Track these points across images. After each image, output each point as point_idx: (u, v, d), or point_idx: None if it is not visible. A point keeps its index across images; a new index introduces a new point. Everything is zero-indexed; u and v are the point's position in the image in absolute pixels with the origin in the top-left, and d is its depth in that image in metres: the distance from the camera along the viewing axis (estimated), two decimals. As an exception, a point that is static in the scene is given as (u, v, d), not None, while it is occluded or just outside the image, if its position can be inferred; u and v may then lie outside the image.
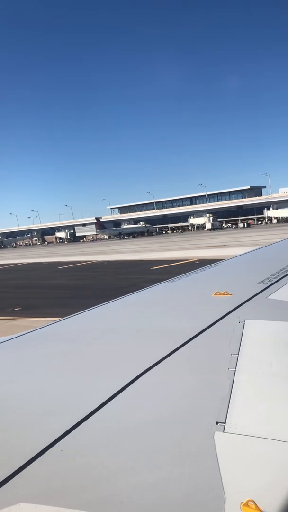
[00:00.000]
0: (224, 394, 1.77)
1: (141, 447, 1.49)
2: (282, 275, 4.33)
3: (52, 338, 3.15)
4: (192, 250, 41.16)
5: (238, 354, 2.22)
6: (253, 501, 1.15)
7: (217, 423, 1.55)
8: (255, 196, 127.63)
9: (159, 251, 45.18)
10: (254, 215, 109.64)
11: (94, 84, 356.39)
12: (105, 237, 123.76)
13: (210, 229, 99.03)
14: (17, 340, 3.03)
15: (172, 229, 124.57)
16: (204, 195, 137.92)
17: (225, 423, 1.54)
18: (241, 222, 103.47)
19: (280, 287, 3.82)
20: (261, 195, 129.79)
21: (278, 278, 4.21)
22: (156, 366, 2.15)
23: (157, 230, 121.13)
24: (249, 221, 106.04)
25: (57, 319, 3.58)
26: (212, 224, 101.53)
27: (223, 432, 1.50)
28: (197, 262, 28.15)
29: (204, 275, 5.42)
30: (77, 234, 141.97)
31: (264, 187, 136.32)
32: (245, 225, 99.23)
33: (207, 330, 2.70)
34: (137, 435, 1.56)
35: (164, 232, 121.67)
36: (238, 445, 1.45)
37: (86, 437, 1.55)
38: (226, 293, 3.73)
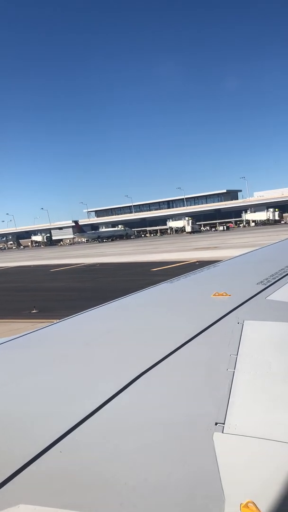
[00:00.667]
0: (223, 394, 1.77)
1: (140, 448, 1.48)
2: (280, 276, 4.34)
3: (52, 339, 3.15)
4: (185, 252, 41.12)
5: (237, 354, 2.22)
6: (253, 502, 1.15)
7: (216, 423, 1.54)
8: (232, 199, 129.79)
9: (150, 253, 44.98)
10: (231, 218, 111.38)
11: (76, 87, 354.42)
12: (83, 240, 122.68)
13: (190, 232, 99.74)
14: (17, 341, 3.03)
15: (151, 232, 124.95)
16: (181, 199, 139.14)
17: (224, 423, 1.54)
18: (220, 225, 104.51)
19: (278, 287, 3.82)
20: (237, 199, 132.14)
21: (277, 279, 4.21)
22: (155, 367, 2.14)
23: (136, 234, 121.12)
24: (229, 224, 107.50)
25: (54, 320, 3.59)
26: (192, 227, 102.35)
27: (222, 432, 1.49)
28: (197, 263, 28.08)
29: (202, 276, 5.42)
30: (53, 238, 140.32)
31: (240, 191, 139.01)
32: (225, 228, 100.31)
33: (206, 331, 2.70)
34: (136, 436, 1.56)
35: (143, 235, 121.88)
36: (237, 446, 1.45)
37: (85, 438, 1.54)
38: (225, 294, 3.74)
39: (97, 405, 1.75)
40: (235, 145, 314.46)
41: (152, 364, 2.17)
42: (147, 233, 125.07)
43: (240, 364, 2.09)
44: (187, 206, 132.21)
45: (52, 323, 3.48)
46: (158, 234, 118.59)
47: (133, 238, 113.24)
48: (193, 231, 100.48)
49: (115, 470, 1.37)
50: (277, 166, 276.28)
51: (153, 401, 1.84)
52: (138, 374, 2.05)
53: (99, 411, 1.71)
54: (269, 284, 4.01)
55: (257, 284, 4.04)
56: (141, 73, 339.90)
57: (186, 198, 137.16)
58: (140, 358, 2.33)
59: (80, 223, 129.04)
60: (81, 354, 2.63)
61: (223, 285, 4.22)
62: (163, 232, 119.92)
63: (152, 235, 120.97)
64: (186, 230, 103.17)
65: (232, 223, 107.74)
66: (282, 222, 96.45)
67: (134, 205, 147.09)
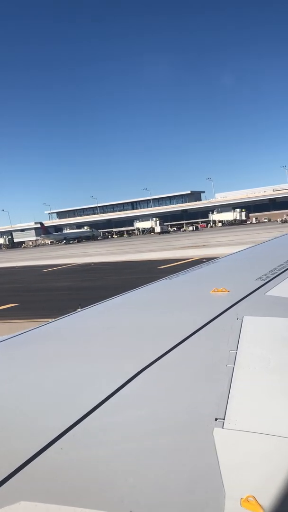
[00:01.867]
0: (223, 390, 1.77)
1: (141, 444, 1.49)
2: (279, 272, 4.37)
3: (51, 337, 3.15)
4: (175, 250, 41.06)
5: (237, 350, 2.22)
6: (253, 497, 1.15)
7: (216, 419, 1.54)
8: (195, 200, 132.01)
9: (136, 252, 44.49)
10: (198, 218, 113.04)
11: (37, 83, 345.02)
12: (48, 242, 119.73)
13: (159, 233, 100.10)
14: (16, 338, 3.03)
15: (116, 234, 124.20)
16: (145, 200, 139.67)
17: (224, 419, 1.54)
18: (190, 226, 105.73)
19: (277, 283, 3.84)
20: (201, 200, 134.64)
21: (276, 274, 4.25)
22: (155, 363, 2.14)
23: (102, 235, 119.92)
24: (201, 225, 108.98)
25: (50, 319, 3.60)
26: (161, 228, 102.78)
27: (222, 428, 1.49)
28: (204, 260, 28.02)
29: (201, 273, 5.44)
30: (15, 240, 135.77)
31: (203, 192, 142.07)
32: (194, 228, 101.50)
33: (205, 327, 2.70)
34: (137, 432, 1.57)
35: (109, 236, 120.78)
36: (237, 441, 1.45)
37: (85, 435, 1.55)
38: (224, 290, 3.74)
39: (97, 402, 1.74)
40: (199, 147, 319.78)
41: (152, 361, 2.16)
42: (113, 234, 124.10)
43: (239, 360, 2.08)
44: (151, 207, 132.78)
45: (52, 320, 3.48)
46: (125, 235, 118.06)
47: (100, 239, 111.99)
48: (162, 232, 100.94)
49: (116, 467, 1.37)
50: (240, 168, 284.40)
51: (153, 397, 1.84)
52: (138, 370, 2.05)
53: (99, 408, 1.70)
54: (268, 279, 4.02)
55: (256, 280, 4.05)
56: (107, 72, 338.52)
57: (150, 199, 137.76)
58: (140, 355, 2.33)
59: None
60: (81, 351, 2.63)
61: (222, 281, 4.25)
62: (130, 233, 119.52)
63: (117, 236, 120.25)
64: (156, 231, 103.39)
65: (204, 223, 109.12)
66: (248, 222, 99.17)
67: (99, 206, 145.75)
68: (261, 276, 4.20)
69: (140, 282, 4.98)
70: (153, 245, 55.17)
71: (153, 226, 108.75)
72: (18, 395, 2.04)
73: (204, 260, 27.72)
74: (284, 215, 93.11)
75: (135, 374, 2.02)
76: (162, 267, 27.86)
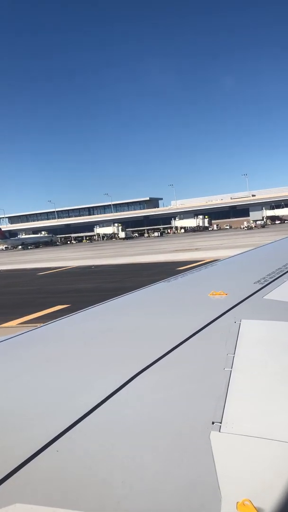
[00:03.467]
0: (220, 394, 1.77)
1: (137, 447, 1.49)
2: (277, 275, 4.40)
3: (50, 338, 3.17)
4: (173, 253, 40.44)
5: (234, 354, 2.22)
6: (249, 501, 1.15)
7: (213, 423, 1.54)
8: (154, 207, 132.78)
9: (122, 256, 43.31)
10: (160, 224, 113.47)
11: None
12: (2, 248, 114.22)
13: (123, 239, 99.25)
14: (16, 339, 3.05)
15: (75, 239, 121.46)
16: (103, 205, 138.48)
17: (221, 423, 1.54)
18: (156, 232, 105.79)
19: (275, 287, 3.86)
20: (158, 206, 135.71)
21: (274, 278, 4.27)
22: (152, 366, 2.15)
23: (59, 240, 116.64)
24: (169, 230, 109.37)
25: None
26: (126, 234, 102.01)
27: (219, 432, 1.49)
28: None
29: (199, 275, 5.42)
30: None
31: (161, 199, 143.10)
32: (159, 234, 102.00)
33: (203, 330, 2.70)
34: (133, 435, 1.56)
35: (68, 242, 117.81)
36: (234, 445, 1.46)
37: (82, 437, 1.55)
38: (222, 293, 3.75)
39: (94, 405, 1.75)
40: (155, 156, 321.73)
41: (148, 364, 2.16)
42: (71, 240, 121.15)
43: (237, 363, 2.08)
44: (109, 213, 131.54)
45: (51, 321, 3.45)
46: (85, 241, 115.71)
47: (59, 244, 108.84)
48: (126, 237, 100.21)
49: (112, 469, 1.38)
50: (200, 176, 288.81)
51: (150, 401, 1.83)
52: (135, 373, 2.04)
53: (95, 410, 1.71)
54: (266, 283, 4.01)
55: (254, 283, 4.05)
56: (64, 74, 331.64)
57: (107, 205, 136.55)
58: (136, 358, 2.32)
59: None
60: (78, 353, 2.62)
61: (220, 284, 4.22)
62: (90, 239, 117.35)
63: (76, 242, 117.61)
64: (120, 236, 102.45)
65: (171, 228, 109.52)
66: (209, 228, 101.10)
67: (57, 211, 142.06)
68: (259, 280, 4.18)
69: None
70: (135, 249, 54.17)
71: (115, 232, 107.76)
72: (15, 396, 2.03)
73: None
74: (245, 222, 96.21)
75: (132, 377, 2.01)
76: (181, 268, 27.10)
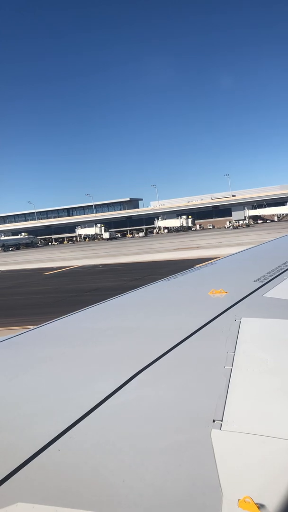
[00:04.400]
0: (221, 392, 1.79)
1: (139, 445, 1.49)
2: (277, 273, 4.44)
3: (50, 337, 3.18)
4: (184, 251, 40.24)
5: (235, 352, 2.24)
6: (251, 498, 1.16)
7: (214, 420, 1.56)
8: (134, 207, 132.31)
9: (127, 255, 42.81)
10: (142, 225, 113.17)
11: None
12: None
13: (107, 239, 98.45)
14: (16, 338, 3.06)
15: (56, 240, 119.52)
16: (82, 206, 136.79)
17: (222, 420, 1.55)
18: (139, 232, 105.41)
19: (275, 285, 3.90)
20: (138, 207, 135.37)
21: (274, 276, 4.31)
22: (153, 364, 2.16)
23: (40, 242, 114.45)
24: (153, 231, 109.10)
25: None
26: (110, 234, 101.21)
27: (220, 429, 1.50)
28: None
29: (200, 274, 5.53)
30: None
31: (141, 199, 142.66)
32: (144, 234, 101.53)
33: (203, 328, 2.73)
34: (134, 433, 1.58)
35: (49, 243, 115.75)
36: (235, 442, 1.46)
37: (83, 436, 1.55)
38: (222, 292, 3.79)
39: (95, 403, 1.75)
40: (135, 157, 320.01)
41: (150, 362, 2.17)
42: (52, 241, 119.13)
43: (237, 361, 2.10)
44: (88, 214, 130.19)
45: (51, 321, 3.45)
46: (66, 242, 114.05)
47: (40, 246, 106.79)
48: (110, 238, 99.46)
49: (113, 468, 1.37)
50: (182, 177, 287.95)
51: (151, 399, 1.84)
52: (136, 372, 2.05)
53: (97, 409, 1.71)
54: (266, 281, 4.04)
55: (254, 281, 4.08)
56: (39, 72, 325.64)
57: (87, 206, 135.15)
58: (138, 356, 2.33)
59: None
60: (78, 352, 2.63)
61: (221, 283, 4.25)
62: (72, 240, 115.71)
63: (57, 243, 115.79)
64: (104, 237, 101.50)
65: (155, 228, 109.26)
66: (192, 229, 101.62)
67: (30, 213, 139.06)
68: (259, 278, 4.19)
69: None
70: (129, 249, 53.67)
71: (97, 233, 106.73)
72: (15, 395, 2.02)
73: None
74: (227, 222, 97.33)
75: (133, 376, 2.01)
76: (199, 265, 26.89)
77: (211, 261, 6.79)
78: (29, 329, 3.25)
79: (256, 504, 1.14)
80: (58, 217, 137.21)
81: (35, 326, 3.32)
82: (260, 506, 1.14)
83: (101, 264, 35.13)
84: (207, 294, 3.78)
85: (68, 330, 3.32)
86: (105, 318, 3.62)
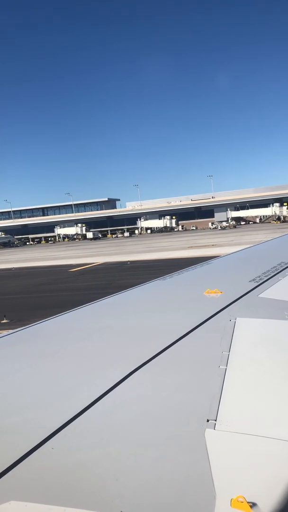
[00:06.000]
0: (215, 391, 1.80)
1: (132, 445, 1.51)
2: (272, 274, 4.44)
3: (47, 335, 3.19)
4: (196, 249, 39.82)
5: (229, 351, 2.25)
6: (243, 497, 1.17)
7: (208, 420, 1.57)
8: (111, 208, 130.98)
9: (145, 252, 41.96)
10: (124, 225, 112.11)
11: None
12: None
13: (91, 239, 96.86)
14: (14, 335, 3.07)
15: (33, 240, 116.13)
16: (57, 206, 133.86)
17: (216, 420, 1.56)
18: (125, 232, 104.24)
19: (270, 285, 3.92)
20: (116, 207, 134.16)
21: (269, 276, 4.32)
22: (147, 364, 2.17)
23: (17, 241, 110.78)
24: (136, 231, 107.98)
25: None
26: (93, 233, 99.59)
27: (214, 429, 1.52)
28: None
29: (195, 274, 5.53)
30: None
31: (119, 199, 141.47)
32: (129, 235, 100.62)
33: (198, 328, 2.74)
34: (128, 433, 1.59)
35: (26, 243, 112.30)
36: (228, 442, 1.49)
37: (78, 434, 1.56)
38: (217, 291, 3.79)
39: (89, 402, 1.76)
40: (113, 157, 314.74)
41: (143, 362, 2.17)
42: (30, 241, 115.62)
43: (232, 361, 2.10)
44: (65, 213, 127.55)
45: (48, 318, 3.49)
46: (43, 242, 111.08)
47: (18, 246, 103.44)
48: (94, 238, 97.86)
49: (108, 466, 1.38)
50: (163, 177, 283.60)
51: (145, 398, 1.85)
52: (130, 371, 2.06)
53: (91, 408, 1.73)
54: (261, 281, 4.06)
55: (250, 281, 4.10)
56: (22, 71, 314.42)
57: (64, 205, 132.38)
58: (132, 356, 2.33)
59: None
60: (74, 349, 2.64)
61: (216, 283, 4.24)
62: (53, 239, 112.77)
63: (35, 243, 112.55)
64: (88, 237, 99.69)
65: (138, 228, 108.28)
66: (175, 230, 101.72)
67: (5, 212, 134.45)
68: (254, 278, 4.22)
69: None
70: (133, 247, 52.73)
71: (78, 232, 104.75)
72: (10, 393, 2.01)
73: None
74: (209, 223, 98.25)
75: (127, 375, 2.01)
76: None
77: (208, 261, 6.61)
78: (28, 326, 3.24)
79: (249, 503, 1.14)
80: (33, 216, 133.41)
81: (34, 323, 3.32)
82: (253, 505, 1.14)
83: (128, 261, 34.13)
84: (203, 294, 3.76)
85: (64, 328, 3.31)
86: (101, 316, 3.59)
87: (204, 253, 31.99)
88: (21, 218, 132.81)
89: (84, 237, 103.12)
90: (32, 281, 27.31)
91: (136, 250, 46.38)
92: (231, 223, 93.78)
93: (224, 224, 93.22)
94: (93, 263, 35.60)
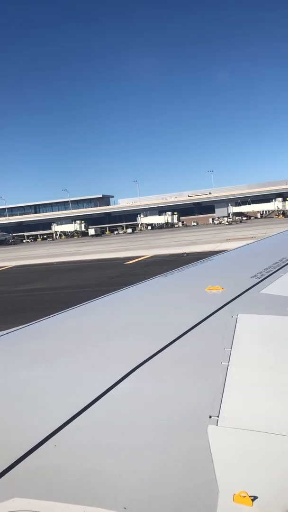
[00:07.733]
0: (218, 388, 1.80)
1: (135, 441, 1.51)
2: (274, 270, 4.44)
3: (48, 332, 3.22)
4: (219, 243, 39.08)
5: (231, 348, 2.26)
6: (246, 493, 1.17)
7: (210, 416, 1.58)
8: (106, 205, 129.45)
9: (187, 245, 41.00)
10: (122, 222, 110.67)
11: None
12: None
13: (93, 236, 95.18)
14: (15, 333, 3.09)
15: (29, 238, 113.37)
16: (50, 203, 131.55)
17: (218, 416, 1.57)
18: (128, 228, 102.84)
19: (272, 281, 3.93)
20: (109, 204, 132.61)
21: (271, 272, 4.32)
22: (149, 361, 2.18)
23: (13, 239, 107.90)
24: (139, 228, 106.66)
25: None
26: (95, 230, 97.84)
27: (216, 425, 1.52)
28: None
29: (197, 270, 5.56)
30: None
31: (113, 196, 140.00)
32: (132, 231, 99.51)
33: (200, 325, 2.75)
34: (131, 429, 1.60)
35: (23, 241, 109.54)
36: (231, 438, 1.49)
37: (80, 431, 1.58)
38: (219, 288, 3.81)
39: (91, 399, 1.78)
40: (108, 153, 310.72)
41: (146, 358, 2.19)
42: (24, 238, 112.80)
43: (234, 358, 2.11)
44: (59, 210, 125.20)
45: (49, 316, 3.50)
46: (40, 240, 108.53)
47: (13, 242, 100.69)
48: (96, 234, 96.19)
49: (110, 463, 1.39)
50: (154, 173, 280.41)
51: (147, 395, 1.86)
52: (133, 368, 2.07)
53: (93, 405, 1.74)
54: (263, 277, 4.08)
55: (251, 277, 4.11)
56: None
57: (58, 202, 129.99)
58: (134, 352, 2.36)
59: None
60: (75, 347, 2.67)
61: (218, 279, 4.28)
62: (46, 237, 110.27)
63: (31, 240, 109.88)
64: (90, 234, 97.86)
65: (138, 225, 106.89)
66: (176, 226, 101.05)
67: (5, 208, 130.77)
68: (256, 274, 4.23)
69: None
70: (158, 242, 51.64)
71: (77, 229, 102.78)
72: (12, 390, 2.03)
73: None
74: (210, 218, 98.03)
75: (130, 372, 2.01)
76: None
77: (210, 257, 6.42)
78: (28, 324, 3.24)
79: (251, 499, 1.15)
80: (25, 213, 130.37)
81: (34, 322, 3.31)
82: (256, 501, 1.15)
83: (185, 253, 33.06)
84: (204, 291, 3.77)
85: (65, 325, 3.31)
86: (103, 313, 3.62)
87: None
88: (13, 215, 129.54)
89: (83, 234, 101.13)
90: (101, 274, 25.95)
91: (168, 244, 45.33)
92: (236, 218, 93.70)
93: (228, 219, 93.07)
94: (143, 256, 34.35)
